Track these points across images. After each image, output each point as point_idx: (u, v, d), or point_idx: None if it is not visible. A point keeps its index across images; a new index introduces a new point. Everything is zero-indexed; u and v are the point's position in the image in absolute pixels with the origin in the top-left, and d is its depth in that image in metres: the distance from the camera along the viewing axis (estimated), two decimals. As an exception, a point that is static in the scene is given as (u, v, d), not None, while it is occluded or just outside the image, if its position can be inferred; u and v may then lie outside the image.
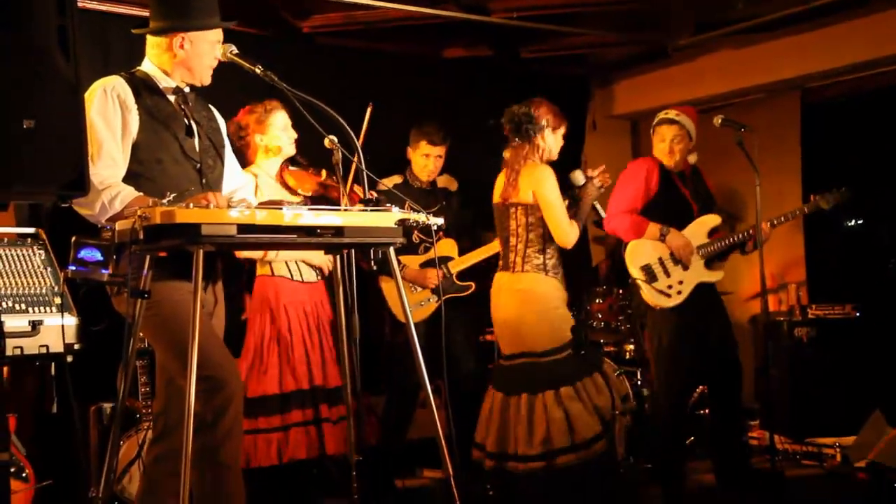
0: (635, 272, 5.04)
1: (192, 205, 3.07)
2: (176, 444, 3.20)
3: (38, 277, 4.21)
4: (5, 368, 3.52)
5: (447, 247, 5.54)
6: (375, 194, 3.64)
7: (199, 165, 3.55)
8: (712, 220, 5.16)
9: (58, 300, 4.14)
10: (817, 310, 6.27)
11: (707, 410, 5.84)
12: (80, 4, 4.83)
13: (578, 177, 4.70)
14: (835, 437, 5.75)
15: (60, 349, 3.98)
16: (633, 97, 7.53)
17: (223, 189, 3.70)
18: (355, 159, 3.63)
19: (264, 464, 4.58)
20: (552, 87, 7.38)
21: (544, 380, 4.53)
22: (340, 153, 3.65)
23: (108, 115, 3.38)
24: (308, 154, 4.89)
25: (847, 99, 6.76)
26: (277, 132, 4.71)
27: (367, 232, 3.39)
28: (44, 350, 4.06)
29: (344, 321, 3.79)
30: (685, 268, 5.03)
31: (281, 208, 3.21)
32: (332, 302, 4.90)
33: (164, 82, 3.56)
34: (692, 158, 5.20)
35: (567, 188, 4.66)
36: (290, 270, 4.81)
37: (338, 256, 3.79)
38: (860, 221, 5.58)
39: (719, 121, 4.86)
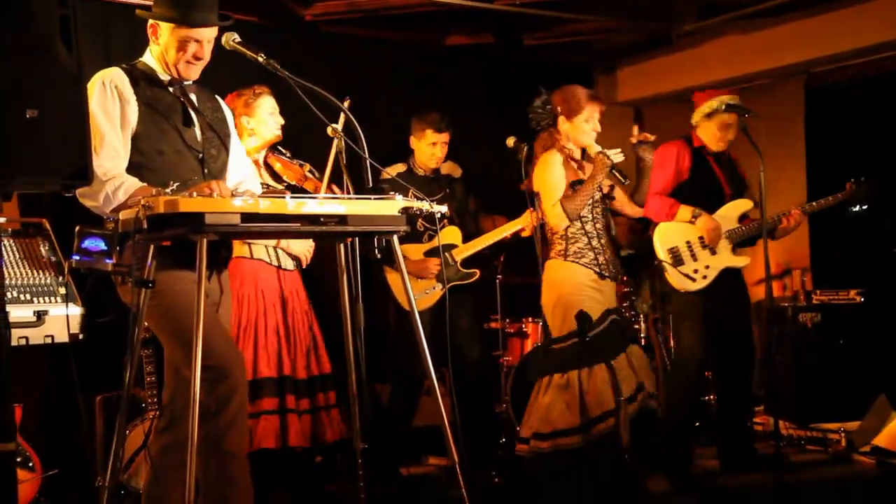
0: (662, 254, 5.05)
1: (195, 194, 3.07)
2: (182, 434, 3.20)
3: (42, 267, 4.22)
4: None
5: (451, 234, 5.53)
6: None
7: (201, 155, 3.55)
8: (744, 204, 5.17)
9: (62, 290, 4.15)
10: (822, 295, 6.27)
11: (712, 396, 5.85)
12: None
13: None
14: (839, 423, 5.75)
15: (66, 339, 3.99)
16: (637, 84, 7.50)
17: (228, 179, 3.69)
18: (363, 153, 3.63)
19: None
20: (555, 74, 7.36)
21: (544, 366, 4.64)
22: (344, 142, 3.66)
23: (108, 107, 3.39)
24: (300, 145, 4.92)
25: (851, 84, 6.75)
26: (265, 116, 4.71)
27: (371, 220, 3.39)
28: (49, 340, 4.07)
29: (348, 310, 3.79)
30: (713, 252, 5.04)
31: (284, 197, 3.21)
32: (308, 292, 4.94)
33: (163, 73, 3.56)
34: None
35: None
36: (268, 254, 4.81)
37: (342, 245, 3.79)
38: (864, 207, 5.58)
39: (724, 106, 4.85)
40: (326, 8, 5.98)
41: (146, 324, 3.46)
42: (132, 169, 3.40)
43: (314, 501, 4.92)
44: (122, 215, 3.15)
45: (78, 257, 3.21)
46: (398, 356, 5.44)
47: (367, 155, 3.58)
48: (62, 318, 3.97)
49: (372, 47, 6.50)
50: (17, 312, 3.93)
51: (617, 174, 4.64)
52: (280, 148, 4.85)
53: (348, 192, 3.61)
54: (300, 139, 4.95)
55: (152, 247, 3.26)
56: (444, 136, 5.48)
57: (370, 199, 3.40)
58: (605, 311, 4.62)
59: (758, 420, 6.12)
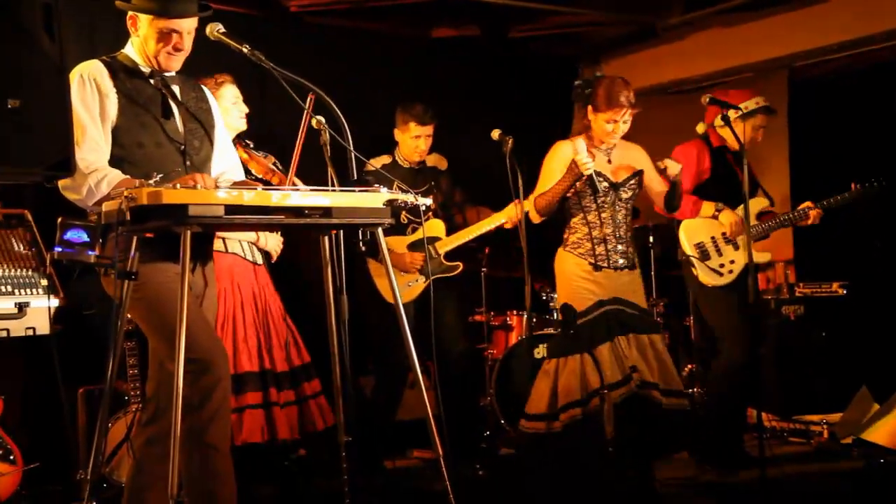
0: (689, 249, 5.09)
1: (178, 185, 3.06)
2: (166, 427, 3.19)
3: (24, 259, 4.19)
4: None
5: (435, 227, 5.53)
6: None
7: (183, 147, 3.52)
8: (762, 202, 5.25)
9: (44, 282, 4.13)
10: (805, 288, 6.29)
11: (696, 389, 5.88)
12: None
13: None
14: (822, 415, 5.78)
15: (47, 331, 3.97)
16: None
17: (213, 170, 3.67)
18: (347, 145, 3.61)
19: None
20: (541, 67, 7.40)
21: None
22: (328, 133, 3.64)
23: (87, 100, 3.37)
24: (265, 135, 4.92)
25: (835, 78, 6.77)
26: (227, 105, 4.67)
27: (355, 213, 3.38)
28: (31, 332, 4.05)
29: (333, 302, 3.78)
30: (736, 247, 5.07)
31: (256, 189, 3.20)
32: (286, 284, 4.97)
33: (144, 65, 3.53)
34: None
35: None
36: (242, 249, 4.80)
37: (326, 237, 3.77)
38: (844, 195, 5.62)
39: (707, 100, 4.86)
40: (312, 0, 5.96)
41: (129, 316, 3.44)
42: (113, 162, 3.38)
43: (298, 495, 4.91)
44: (105, 207, 3.14)
45: (60, 249, 3.19)
46: (381, 349, 5.44)
47: (351, 147, 3.57)
48: (44, 310, 3.96)
49: (357, 39, 6.48)
50: (-2, 304, 3.91)
51: (590, 184, 4.63)
52: (246, 140, 4.81)
53: (333, 185, 3.59)
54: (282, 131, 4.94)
55: (135, 238, 3.24)
56: (428, 129, 5.47)
57: (355, 191, 3.39)
58: (597, 302, 4.63)
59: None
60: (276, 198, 3.18)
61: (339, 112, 3.55)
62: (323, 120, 3.70)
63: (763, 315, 6.16)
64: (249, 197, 3.13)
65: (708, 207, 5.11)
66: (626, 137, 4.78)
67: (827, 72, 6.78)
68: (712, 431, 5.09)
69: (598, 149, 4.72)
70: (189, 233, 3.08)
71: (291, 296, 5.04)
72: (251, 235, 4.76)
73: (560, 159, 4.67)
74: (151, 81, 3.53)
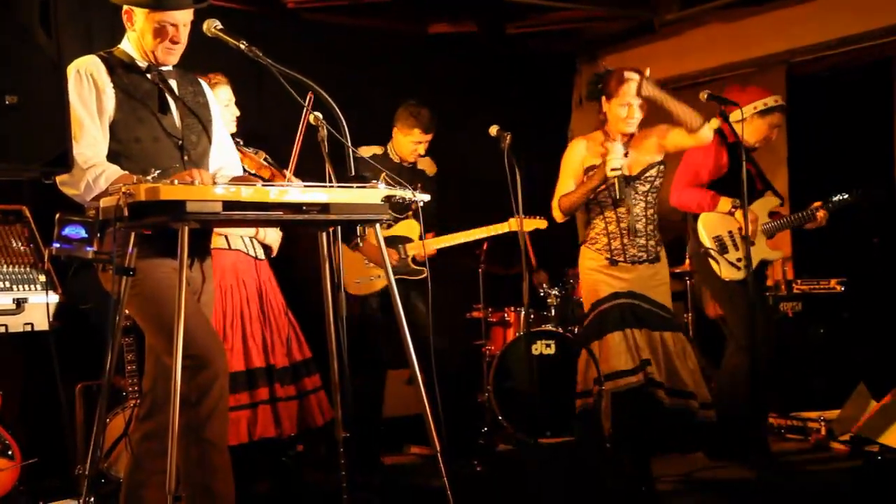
0: (708, 242, 5.10)
1: (176, 181, 3.05)
2: (163, 422, 3.19)
3: (22, 255, 4.19)
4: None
5: (409, 227, 5.52)
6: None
7: (180, 142, 3.52)
8: (774, 200, 5.27)
9: (42, 277, 4.13)
10: (803, 285, 6.29)
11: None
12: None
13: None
14: (819, 411, 5.78)
15: (45, 327, 3.97)
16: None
17: (211, 165, 3.67)
18: (344, 141, 3.61)
19: (233, 442, 4.53)
20: (538, 63, 7.40)
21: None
22: (325, 129, 3.64)
23: (84, 95, 3.37)
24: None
25: (833, 74, 6.76)
26: (220, 107, 4.65)
27: (354, 209, 3.37)
28: (29, 328, 4.05)
29: (330, 299, 3.77)
30: (751, 244, 5.07)
31: (254, 186, 3.20)
32: (283, 279, 4.96)
33: (141, 59, 3.53)
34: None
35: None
36: (245, 245, 4.80)
37: (324, 234, 3.77)
38: (846, 197, 5.62)
39: (705, 96, 4.87)
40: (309, -5, 5.97)
41: (127, 312, 3.44)
42: (110, 157, 3.37)
43: (296, 491, 4.92)
44: (103, 203, 3.13)
45: (58, 245, 3.18)
46: (359, 345, 5.41)
47: (349, 143, 3.57)
48: (42, 306, 3.96)
49: (355, 35, 6.47)
50: (-4, 300, 3.91)
51: (614, 189, 4.61)
52: (236, 138, 4.80)
53: (331, 181, 3.59)
54: (279, 128, 4.94)
55: (133, 234, 3.24)
56: (430, 137, 5.47)
57: (353, 187, 3.39)
58: (611, 294, 4.67)
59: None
60: (275, 194, 3.18)
61: (336, 108, 3.55)
62: (321, 116, 3.70)
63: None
64: (247, 193, 3.13)
65: (725, 203, 5.09)
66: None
67: (825, 68, 6.78)
68: (726, 426, 5.06)
69: (616, 142, 4.67)
70: (187, 229, 3.08)
71: (289, 291, 5.03)
72: (251, 230, 4.77)
73: (575, 158, 4.73)
74: (148, 76, 3.53)
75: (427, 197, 3.58)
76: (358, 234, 3.55)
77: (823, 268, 6.41)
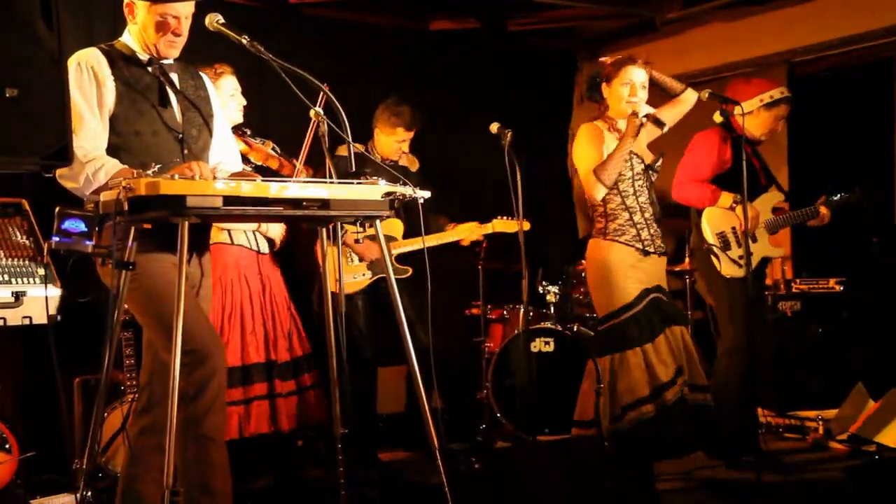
0: (712, 238, 5.06)
1: (176, 176, 3.05)
2: (160, 417, 3.19)
3: (21, 248, 4.18)
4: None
5: (393, 227, 5.43)
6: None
7: (180, 136, 3.51)
8: (777, 196, 5.23)
9: (41, 271, 4.12)
10: (801, 284, 6.30)
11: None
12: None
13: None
14: (817, 411, 5.78)
15: (44, 320, 3.96)
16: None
17: (210, 159, 3.66)
18: (346, 137, 3.60)
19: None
20: (539, 60, 7.39)
21: (598, 348, 4.65)
22: (326, 125, 3.63)
23: (84, 88, 3.36)
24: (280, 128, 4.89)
25: (834, 73, 6.76)
26: (226, 97, 4.63)
27: (354, 205, 3.36)
28: (27, 321, 4.04)
29: (329, 296, 3.77)
30: (753, 240, 5.05)
31: (255, 180, 3.19)
32: (284, 275, 4.96)
33: (142, 53, 3.52)
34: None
35: None
36: (248, 239, 4.79)
37: (324, 230, 3.77)
38: (846, 196, 5.63)
39: (706, 95, 4.86)
40: (310, -10, 5.96)
41: (126, 306, 3.43)
42: (110, 151, 3.37)
43: (294, 486, 4.91)
44: (103, 197, 3.13)
45: (58, 238, 3.18)
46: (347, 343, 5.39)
47: (350, 138, 3.56)
48: (41, 300, 3.95)
49: (356, 31, 6.47)
50: (-5, 293, 3.90)
51: (653, 122, 4.60)
52: (243, 129, 4.79)
53: (331, 177, 3.58)
54: (281, 122, 4.93)
55: (133, 229, 3.23)
56: (412, 133, 5.43)
57: (353, 183, 3.38)
58: (643, 291, 4.57)
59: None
60: (275, 189, 3.17)
61: (337, 104, 3.54)
62: (321, 112, 3.69)
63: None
64: (247, 188, 3.12)
65: (726, 198, 5.05)
66: None
67: (826, 67, 6.77)
68: (722, 425, 5.05)
69: (618, 131, 4.63)
70: (187, 224, 3.07)
71: (289, 286, 5.02)
72: (253, 224, 4.75)
73: (589, 138, 4.61)
74: (149, 69, 3.52)
75: (428, 193, 3.57)
76: (357, 230, 3.55)
77: (822, 267, 6.42)
